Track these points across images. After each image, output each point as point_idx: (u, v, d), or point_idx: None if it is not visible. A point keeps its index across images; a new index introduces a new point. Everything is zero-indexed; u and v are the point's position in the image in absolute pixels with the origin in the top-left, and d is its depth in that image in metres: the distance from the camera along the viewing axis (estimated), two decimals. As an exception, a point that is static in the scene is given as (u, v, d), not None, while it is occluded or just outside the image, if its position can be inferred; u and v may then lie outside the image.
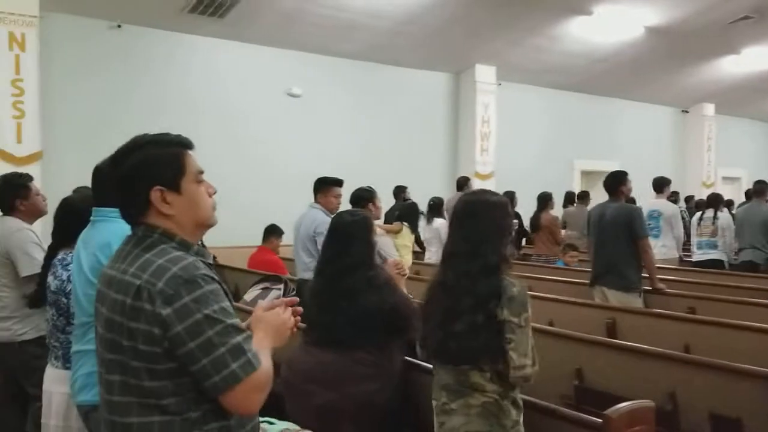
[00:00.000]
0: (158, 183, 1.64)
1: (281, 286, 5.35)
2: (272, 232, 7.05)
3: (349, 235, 3.10)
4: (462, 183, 8.77)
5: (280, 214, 7.02)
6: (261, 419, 2.64)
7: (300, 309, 1.80)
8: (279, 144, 9.21)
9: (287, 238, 6.84)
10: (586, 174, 13.16)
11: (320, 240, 4.73)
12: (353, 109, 10.04)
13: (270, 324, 1.70)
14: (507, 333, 2.23)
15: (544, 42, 10.25)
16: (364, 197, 4.79)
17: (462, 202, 2.45)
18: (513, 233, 2.41)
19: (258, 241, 7.29)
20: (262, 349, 1.61)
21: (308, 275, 4.75)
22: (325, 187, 4.99)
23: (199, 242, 1.77)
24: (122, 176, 1.67)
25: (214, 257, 6.44)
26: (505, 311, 2.24)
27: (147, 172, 1.64)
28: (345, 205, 4.68)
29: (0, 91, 6.93)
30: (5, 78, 6.96)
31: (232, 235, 8.03)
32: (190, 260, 1.59)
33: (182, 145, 1.72)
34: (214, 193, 1.76)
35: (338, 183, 5.04)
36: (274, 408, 2.94)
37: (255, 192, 8.85)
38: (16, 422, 3.75)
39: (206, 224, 1.74)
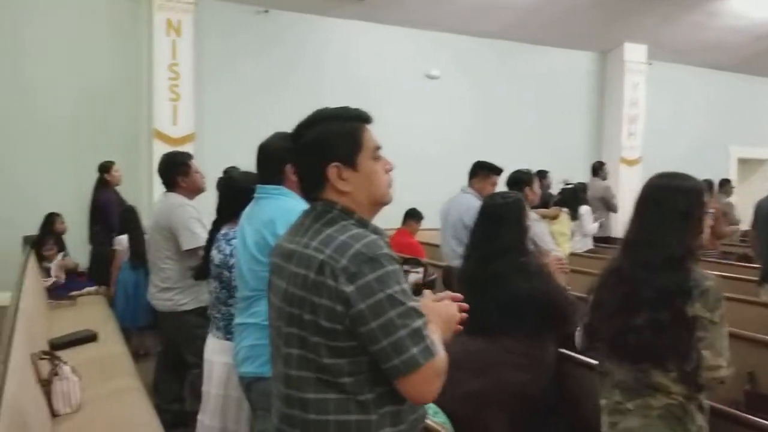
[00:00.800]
0: (335, 159, 1.60)
1: (420, 269, 5.28)
2: (412, 215, 7.02)
3: (499, 217, 2.98)
4: (596, 168, 8.31)
5: (418, 197, 6.98)
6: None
7: (466, 306, 1.73)
8: (417, 127, 9.18)
9: (427, 224, 6.81)
10: (743, 162, 12.15)
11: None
12: (492, 90, 9.82)
13: (440, 315, 1.64)
14: (699, 330, 2.01)
15: (701, 18, 9.51)
16: (522, 180, 4.54)
17: (646, 187, 2.24)
18: (705, 224, 2.15)
19: (396, 224, 7.31)
20: (437, 339, 1.55)
21: (457, 263, 4.64)
22: (484, 172, 4.79)
23: None
24: (300, 151, 1.66)
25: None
26: (696, 305, 2.02)
27: (325, 149, 1.62)
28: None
29: (158, 75, 7.37)
30: (163, 62, 7.38)
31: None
32: (372, 238, 1.54)
33: (361, 119, 1.68)
34: (391, 169, 1.71)
35: (498, 171, 4.84)
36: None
37: (392, 175, 8.88)
38: (175, 388, 3.96)
39: (381, 202, 1.68)
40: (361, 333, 1.48)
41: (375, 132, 1.70)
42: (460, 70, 9.59)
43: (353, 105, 1.71)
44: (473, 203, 4.66)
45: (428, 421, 2.30)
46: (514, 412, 2.77)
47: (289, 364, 1.59)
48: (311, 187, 1.66)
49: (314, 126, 1.65)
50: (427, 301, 1.68)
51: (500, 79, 9.88)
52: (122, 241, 5.36)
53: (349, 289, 1.47)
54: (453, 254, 4.77)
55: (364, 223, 1.62)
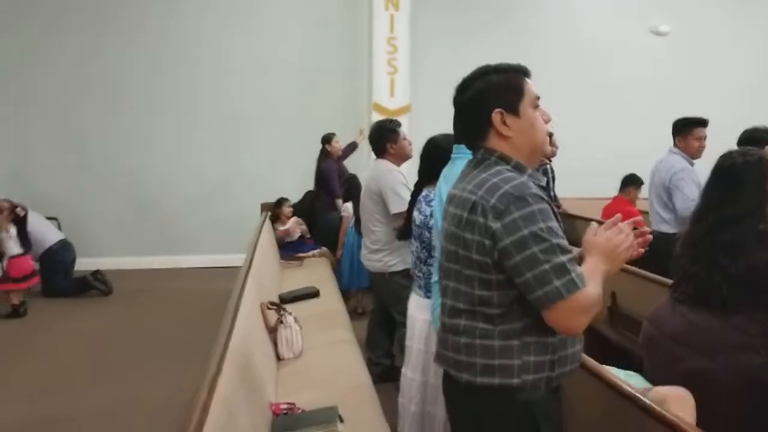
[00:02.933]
0: (499, 105, 1.75)
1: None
2: (631, 181, 6.59)
3: (737, 178, 2.61)
4: None
5: (640, 162, 6.53)
6: (615, 369, 2.49)
7: (647, 230, 1.77)
8: (641, 87, 8.57)
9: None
10: None
11: (678, 192, 4.24)
12: (734, 45, 8.81)
13: (601, 248, 1.69)
14: None
15: None
16: (760, 138, 4.02)
17: None
18: None
19: (613, 191, 6.92)
20: (592, 274, 1.63)
21: (665, 228, 4.31)
22: (686, 128, 4.37)
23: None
24: (466, 101, 1.83)
25: (558, 203, 6.31)
26: None
27: (489, 96, 1.77)
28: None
29: (377, 49, 7.70)
30: (382, 36, 7.70)
31: (584, 185, 7.79)
32: (522, 179, 1.66)
33: (522, 72, 1.82)
34: (549, 120, 1.83)
35: (701, 123, 4.35)
36: (629, 362, 2.74)
37: (612, 139, 8.43)
38: (385, 344, 4.20)
39: (540, 149, 1.80)
40: (507, 266, 1.61)
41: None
42: (687, 24, 8.74)
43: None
44: (676, 164, 4.29)
45: (617, 378, 2.20)
46: (744, 398, 2.50)
47: (446, 294, 1.80)
48: (475, 134, 1.81)
49: (479, 78, 1.81)
50: (588, 236, 1.74)
51: (742, 31, 8.83)
52: (348, 207, 5.80)
53: (496, 225, 1.61)
54: (658, 218, 4.43)
55: (520, 168, 1.74)
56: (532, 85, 1.80)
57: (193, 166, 8.09)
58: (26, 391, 4.18)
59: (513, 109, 1.75)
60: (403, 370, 3.07)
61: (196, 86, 8.04)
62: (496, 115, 1.74)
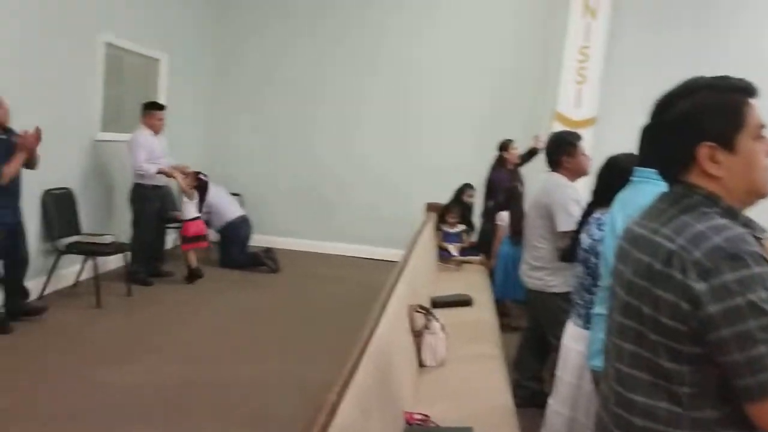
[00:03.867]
0: (708, 138, 1.36)
1: None
2: None
3: None
4: None
5: None
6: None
7: None
8: None
9: None
10: None
11: None
12: None
13: None
14: None
15: None
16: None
17: None
18: None
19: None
20: None
21: None
22: None
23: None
24: (666, 124, 1.44)
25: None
26: None
27: (696, 124, 1.38)
28: None
29: (567, 57, 7.35)
30: (575, 43, 7.34)
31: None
32: (738, 232, 1.28)
33: (745, 91, 1.39)
34: None
35: None
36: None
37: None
38: (535, 366, 3.97)
39: (759, 192, 1.39)
40: (710, 340, 1.25)
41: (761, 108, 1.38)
42: None
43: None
44: None
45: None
46: None
47: (621, 359, 1.42)
48: (673, 165, 1.44)
49: (688, 96, 1.41)
50: None
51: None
52: (504, 216, 5.60)
53: (699, 286, 1.24)
54: None
55: (732, 214, 1.36)
56: (757, 108, 1.40)
57: (370, 160, 8.28)
58: (183, 355, 4.48)
59: (727, 142, 1.36)
60: (550, 401, 2.86)
61: (381, 82, 8.21)
62: (703, 150, 1.37)
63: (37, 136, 4.60)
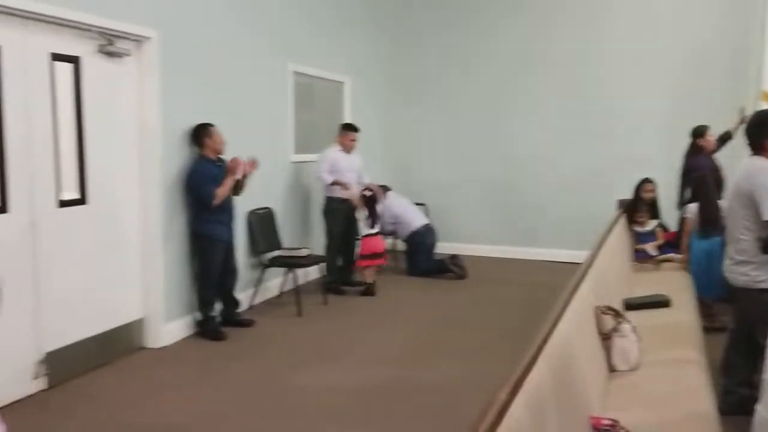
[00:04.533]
0: None
1: None
2: None
3: None
4: None
5: None
6: None
7: None
8: None
9: None
10: None
11: None
12: None
13: None
14: None
15: None
16: None
17: None
18: None
19: None
20: None
21: None
22: None
23: None
24: None
25: None
26: None
27: None
28: None
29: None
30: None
31: None
32: None
33: None
34: None
35: None
36: None
37: None
38: (745, 370, 3.58)
39: None
40: None
41: None
42: None
43: None
44: None
45: None
46: None
47: None
48: None
49: None
50: None
51: None
52: (692, 208, 5.15)
53: None
54: None
55: None
56: None
57: (554, 160, 8.06)
58: (376, 359, 4.66)
59: None
60: (757, 407, 2.58)
61: (558, 74, 7.98)
62: None
63: (252, 164, 5.21)
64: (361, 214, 6.47)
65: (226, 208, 5.10)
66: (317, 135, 7.07)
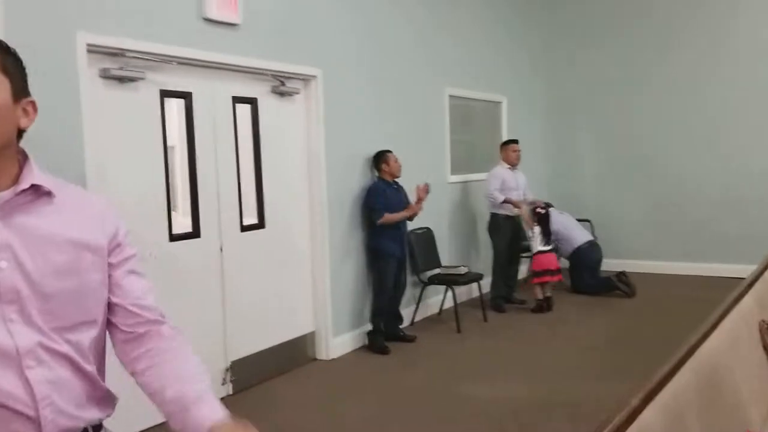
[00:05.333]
0: None
1: None
2: None
3: None
4: None
5: None
6: None
7: None
8: None
9: None
10: None
11: None
12: None
13: None
14: None
15: None
16: None
17: None
18: None
19: None
20: None
21: None
22: None
23: None
24: None
25: None
26: None
27: None
28: None
29: None
30: None
31: None
32: None
33: None
34: None
35: None
36: None
37: None
38: None
39: None
40: None
41: None
42: None
43: None
44: None
45: None
46: None
47: None
48: None
49: None
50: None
51: None
52: None
53: None
54: None
55: None
56: None
57: (726, 171, 7.57)
58: (535, 375, 4.70)
59: None
60: None
61: (743, 90, 7.51)
62: None
63: (425, 189, 5.62)
64: (534, 231, 6.51)
65: (399, 225, 5.51)
66: (475, 155, 7.24)
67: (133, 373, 1.35)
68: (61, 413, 1.19)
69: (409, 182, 5.65)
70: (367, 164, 5.57)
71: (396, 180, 5.55)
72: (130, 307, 1.33)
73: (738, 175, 7.53)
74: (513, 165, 6.69)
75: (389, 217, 5.37)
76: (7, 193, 1.18)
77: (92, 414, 1.28)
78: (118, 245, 1.32)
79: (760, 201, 7.34)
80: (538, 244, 6.51)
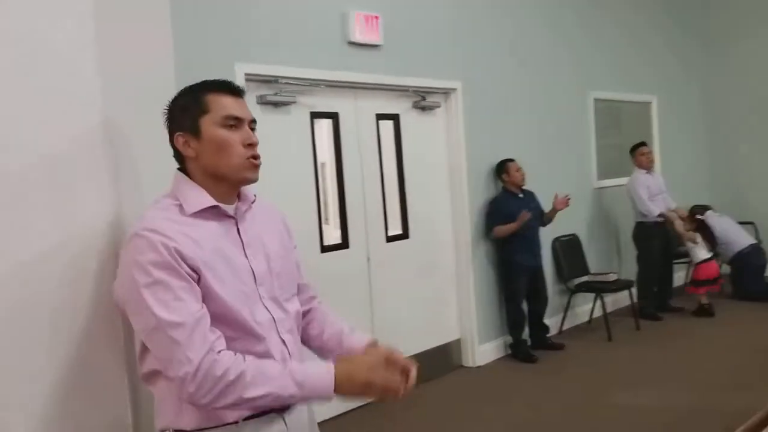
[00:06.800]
0: None
1: None
2: None
3: None
4: None
5: None
6: None
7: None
8: None
9: None
10: None
11: None
12: None
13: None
14: None
15: None
16: None
17: None
18: None
19: None
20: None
21: None
22: None
23: None
24: None
25: None
26: None
27: None
28: None
29: None
30: None
31: None
32: None
33: None
34: None
35: None
36: None
37: None
38: None
39: None
40: None
41: None
42: None
43: None
44: None
45: None
46: None
47: None
48: None
49: None
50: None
51: None
52: None
53: None
54: None
55: None
56: None
57: None
58: (693, 384, 4.50)
59: None
60: None
61: None
62: None
63: (565, 201, 5.47)
64: (696, 239, 6.24)
65: (530, 236, 5.39)
66: (624, 158, 7.00)
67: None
68: None
69: (554, 190, 5.56)
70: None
71: (524, 189, 5.43)
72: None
73: None
74: (648, 169, 6.41)
75: (499, 230, 5.26)
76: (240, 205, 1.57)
77: None
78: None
79: None
80: (700, 253, 6.23)
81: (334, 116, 4.51)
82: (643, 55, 7.38)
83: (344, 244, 4.55)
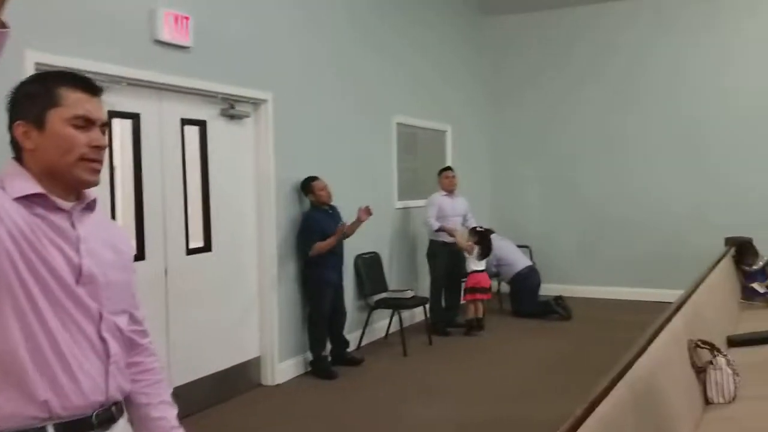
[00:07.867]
0: None
1: None
2: None
3: None
4: None
5: None
6: None
7: None
8: None
9: None
10: None
11: None
12: None
13: None
14: None
15: None
16: None
17: None
18: None
19: None
20: None
21: None
22: None
23: None
24: None
25: None
26: None
27: None
28: None
29: None
30: None
31: None
32: None
33: None
34: None
35: None
36: None
37: None
38: None
39: None
40: None
41: None
42: None
43: None
44: None
45: None
46: None
47: None
48: None
49: None
50: None
51: None
52: None
53: None
54: None
55: None
56: None
57: (659, 199, 7.96)
58: (478, 396, 4.81)
59: None
60: None
61: (670, 115, 7.93)
62: None
63: (367, 211, 5.51)
64: (473, 251, 6.58)
65: (336, 252, 5.45)
66: (421, 181, 7.38)
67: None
68: None
69: (356, 207, 5.64)
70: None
71: (332, 205, 5.46)
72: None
73: (658, 203, 7.95)
74: (449, 191, 6.85)
75: (320, 246, 5.27)
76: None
77: None
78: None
79: (698, 226, 7.65)
80: (472, 264, 6.61)
81: (134, 117, 4.20)
82: (443, 86, 7.89)
83: (140, 255, 4.24)
